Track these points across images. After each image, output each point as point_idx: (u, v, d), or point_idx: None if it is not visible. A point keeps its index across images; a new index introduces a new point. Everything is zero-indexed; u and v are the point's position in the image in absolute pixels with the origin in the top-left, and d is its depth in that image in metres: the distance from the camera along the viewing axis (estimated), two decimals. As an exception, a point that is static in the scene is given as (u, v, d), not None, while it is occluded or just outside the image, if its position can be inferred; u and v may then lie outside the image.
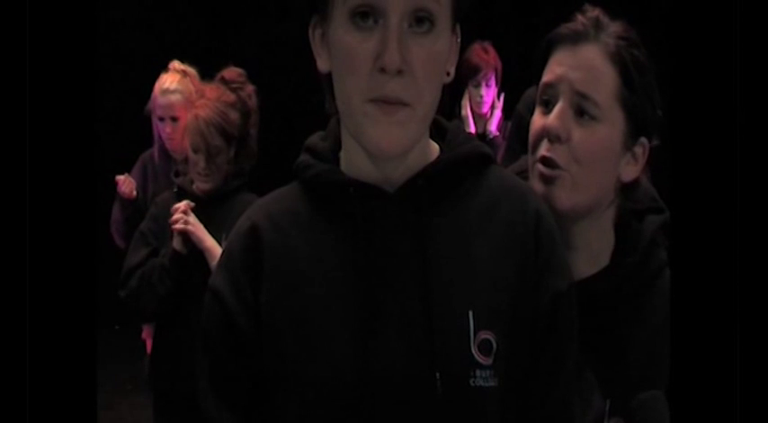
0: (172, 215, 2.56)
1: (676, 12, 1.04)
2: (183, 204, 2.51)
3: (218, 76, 2.62)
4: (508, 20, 5.92)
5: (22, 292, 0.99)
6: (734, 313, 0.98)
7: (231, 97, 2.54)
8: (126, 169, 3.46)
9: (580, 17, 1.29)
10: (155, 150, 3.30)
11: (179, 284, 2.48)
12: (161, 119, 3.17)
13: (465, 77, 3.87)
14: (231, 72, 2.61)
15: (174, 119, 3.10)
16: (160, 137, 3.25)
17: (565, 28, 1.29)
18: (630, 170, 1.30)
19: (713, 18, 1.02)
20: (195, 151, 2.53)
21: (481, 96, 3.94)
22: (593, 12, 1.29)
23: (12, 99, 1.01)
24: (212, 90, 2.57)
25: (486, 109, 4.00)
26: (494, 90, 3.99)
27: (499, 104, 3.99)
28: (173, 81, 3.13)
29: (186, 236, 2.48)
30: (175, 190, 2.66)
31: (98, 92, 1.15)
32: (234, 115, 2.53)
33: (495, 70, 3.95)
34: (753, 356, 0.97)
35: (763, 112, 0.99)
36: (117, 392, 4.88)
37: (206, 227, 2.48)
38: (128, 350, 4.58)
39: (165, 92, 3.13)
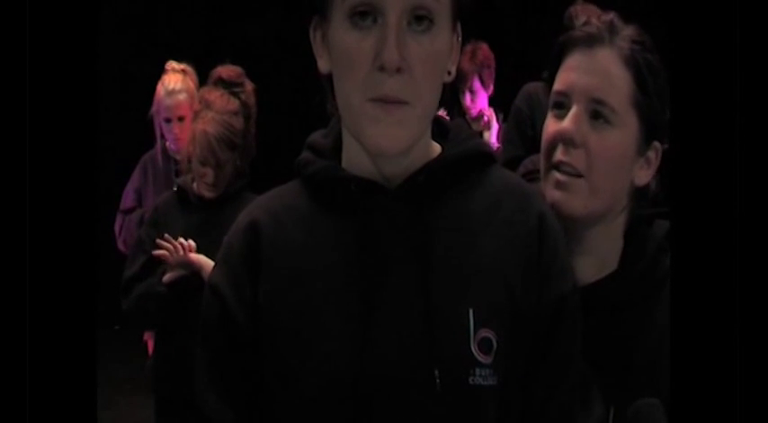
0: (173, 219, 2.55)
1: (676, 12, 1.04)
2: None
3: (216, 74, 2.60)
4: (507, 18, 5.92)
5: (23, 292, 0.99)
6: (734, 317, 0.98)
7: (234, 105, 2.53)
8: (127, 170, 3.47)
9: (594, 20, 1.28)
10: (157, 152, 3.30)
11: (177, 310, 2.47)
12: (168, 120, 3.17)
13: (456, 84, 3.89)
14: (229, 71, 2.59)
15: (181, 118, 3.11)
16: (163, 137, 3.25)
17: (579, 31, 1.28)
18: (644, 174, 1.29)
19: (713, 18, 1.02)
20: (203, 164, 2.52)
21: (465, 105, 3.98)
22: (608, 15, 1.29)
23: (12, 100, 1.01)
24: (217, 99, 2.54)
25: (474, 114, 4.03)
26: (481, 94, 4.01)
27: (492, 114, 4.02)
28: (176, 81, 3.13)
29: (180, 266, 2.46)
30: (176, 189, 2.65)
31: (99, 93, 1.15)
32: (238, 123, 2.52)
33: (479, 75, 3.96)
34: (754, 360, 0.96)
35: (763, 113, 0.99)
36: (117, 392, 4.88)
37: (209, 228, 2.47)
38: (128, 350, 4.58)
39: (171, 93, 3.12)
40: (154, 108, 3.20)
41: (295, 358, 1.09)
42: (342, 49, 1.07)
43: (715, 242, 1.00)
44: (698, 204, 1.02)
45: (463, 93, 3.97)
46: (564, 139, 1.25)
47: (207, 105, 2.55)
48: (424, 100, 1.07)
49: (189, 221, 2.55)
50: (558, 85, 1.28)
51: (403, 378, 1.06)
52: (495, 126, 4.01)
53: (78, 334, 1.03)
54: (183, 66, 3.18)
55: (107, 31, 5.33)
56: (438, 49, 1.08)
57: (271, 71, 5.25)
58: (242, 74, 2.59)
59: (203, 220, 2.52)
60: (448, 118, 1.29)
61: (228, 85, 2.56)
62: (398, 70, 1.04)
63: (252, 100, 2.58)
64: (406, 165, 1.12)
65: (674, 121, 1.07)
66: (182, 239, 2.47)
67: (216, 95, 2.55)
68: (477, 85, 3.99)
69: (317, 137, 1.21)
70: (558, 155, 1.25)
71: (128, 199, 3.39)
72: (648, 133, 1.27)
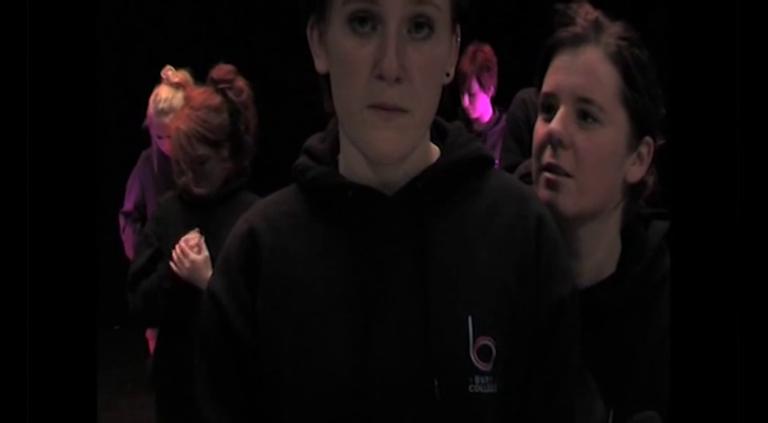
0: (174, 217, 2.56)
1: (676, 12, 1.04)
2: (192, 240, 2.47)
3: (209, 76, 2.59)
4: (505, 19, 5.92)
5: (23, 292, 0.99)
6: (734, 319, 0.97)
7: (216, 100, 2.50)
8: (127, 170, 3.48)
9: (579, 20, 1.28)
10: (153, 153, 3.31)
11: (184, 306, 2.48)
12: (159, 137, 3.19)
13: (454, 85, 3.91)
14: (220, 70, 2.57)
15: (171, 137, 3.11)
16: (157, 144, 3.26)
17: (564, 31, 1.28)
18: (636, 171, 1.29)
19: (713, 18, 1.02)
20: (183, 161, 2.51)
21: (472, 103, 4.01)
22: (593, 14, 1.28)
23: (12, 99, 1.01)
24: (198, 95, 2.53)
25: (475, 114, 4.05)
26: (480, 96, 4.04)
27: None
28: (166, 99, 3.11)
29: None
30: (178, 191, 2.66)
31: (99, 91, 1.15)
32: (218, 119, 2.49)
33: (478, 77, 3.99)
34: (755, 362, 0.96)
35: (763, 111, 0.99)
36: (117, 392, 4.88)
37: (208, 228, 2.48)
38: (128, 350, 4.59)
39: (160, 113, 3.12)
40: (147, 121, 3.22)
41: (294, 367, 1.09)
42: (340, 54, 1.06)
43: (716, 243, 1.00)
44: (698, 205, 1.01)
45: (462, 95, 3.99)
46: (552, 141, 1.24)
47: (187, 102, 2.56)
48: (423, 107, 1.06)
49: (189, 221, 2.56)
50: (545, 87, 1.28)
51: (403, 387, 1.06)
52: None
53: (79, 334, 1.03)
54: (179, 76, 3.12)
55: (107, 30, 5.34)
56: (438, 55, 1.07)
57: (272, 70, 5.25)
58: (232, 71, 2.56)
59: (202, 219, 2.52)
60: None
61: (216, 83, 2.54)
62: (398, 79, 1.03)
63: (243, 96, 2.53)
64: (404, 170, 1.11)
65: (673, 119, 1.06)
66: (191, 234, 2.47)
67: (197, 92, 2.55)
68: (475, 87, 4.01)
69: (314, 141, 1.20)
70: (547, 157, 1.25)
71: (129, 201, 3.41)
72: (639, 129, 1.27)
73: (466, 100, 4.02)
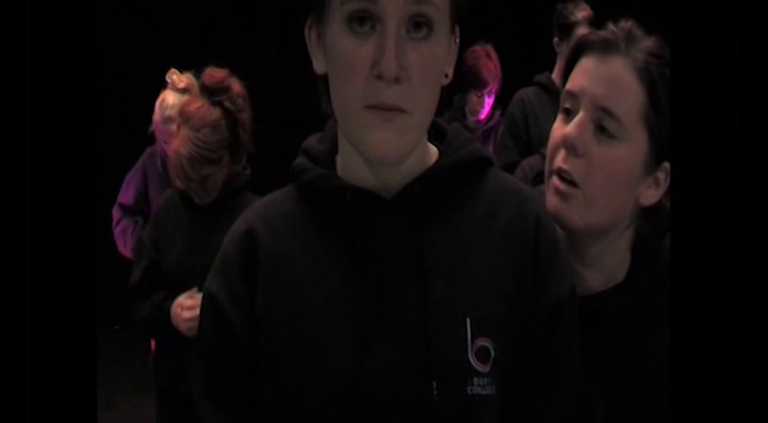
0: (174, 219, 2.56)
1: (676, 12, 1.04)
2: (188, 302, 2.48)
3: (201, 82, 2.53)
4: (505, 20, 5.92)
5: (23, 292, 0.99)
6: (734, 327, 0.97)
7: (213, 115, 2.45)
8: (127, 170, 3.48)
9: (612, 26, 1.25)
10: (156, 154, 3.31)
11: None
12: (165, 142, 3.17)
13: (468, 86, 3.93)
14: (212, 77, 2.50)
15: None
16: (163, 148, 3.25)
17: (595, 35, 1.25)
18: (651, 195, 1.25)
19: (712, 25, 1.01)
20: (187, 179, 2.49)
21: (482, 106, 4.03)
22: (627, 23, 1.25)
23: (12, 97, 1.01)
24: (195, 112, 2.46)
25: (484, 116, 4.07)
26: (493, 97, 4.07)
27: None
28: (172, 106, 3.07)
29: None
30: (178, 190, 2.65)
31: (99, 89, 1.15)
32: (218, 135, 2.45)
33: (498, 81, 4.02)
34: (754, 367, 0.96)
35: (763, 120, 0.98)
36: (117, 392, 4.88)
37: (209, 228, 2.47)
38: (128, 350, 4.59)
39: (166, 120, 3.09)
40: (152, 126, 3.21)
41: (293, 369, 1.09)
42: (339, 54, 1.06)
43: (715, 252, 0.99)
44: (698, 214, 1.01)
45: (480, 94, 4.00)
46: (566, 145, 1.22)
47: (184, 120, 2.49)
48: (422, 107, 1.06)
49: (190, 221, 2.56)
50: (569, 84, 1.26)
51: (401, 388, 1.06)
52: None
53: (78, 334, 1.03)
54: (184, 81, 3.07)
55: (108, 30, 5.34)
56: (437, 55, 1.06)
57: (270, 70, 5.25)
58: (225, 78, 2.49)
59: (204, 219, 2.52)
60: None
61: (210, 93, 2.48)
62: (396, 80, 1.03)
63: (239, 102, 2.48)
64: (403, 172, 1.11)
65: (673, 128, 1.06)
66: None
67: (194, 108, 2.48)
68: (496, 87, 4.03)
69: (312, 142, 1.20)
70: (559, 161, 1.23)
71: (127, 194, 3.41)
72: (658, 152, 1.22)
73: (486, 99, 4.03)
